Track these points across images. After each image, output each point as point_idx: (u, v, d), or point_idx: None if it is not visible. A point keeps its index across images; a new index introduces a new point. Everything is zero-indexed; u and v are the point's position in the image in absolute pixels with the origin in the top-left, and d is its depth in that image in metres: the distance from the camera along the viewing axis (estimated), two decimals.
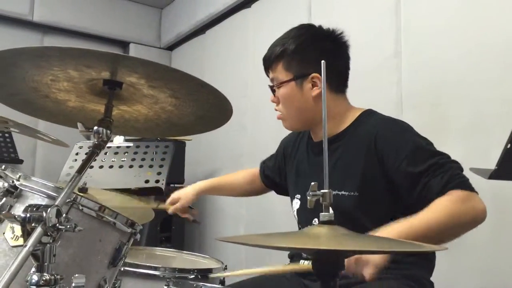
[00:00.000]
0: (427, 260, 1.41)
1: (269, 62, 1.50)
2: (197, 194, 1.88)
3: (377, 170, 1.34)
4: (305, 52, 1.45)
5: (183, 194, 1.88)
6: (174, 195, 1.90)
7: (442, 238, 1.20)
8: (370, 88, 2.16)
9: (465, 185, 1.24)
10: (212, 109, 1.06)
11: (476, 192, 1.24)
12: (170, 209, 1.87)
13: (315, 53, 1.44)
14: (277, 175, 1.76)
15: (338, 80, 1.48)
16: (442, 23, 1.93)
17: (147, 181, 2.36)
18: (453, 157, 1.32)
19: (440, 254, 1.42)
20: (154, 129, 1.22)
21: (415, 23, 2.05)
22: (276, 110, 1.53)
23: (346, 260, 1.14)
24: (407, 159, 1.29)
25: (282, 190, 1.79)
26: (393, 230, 1.16)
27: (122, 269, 1.39)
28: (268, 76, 1.53)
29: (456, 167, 1.29)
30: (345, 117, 1.47)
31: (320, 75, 1.41)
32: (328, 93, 1.44)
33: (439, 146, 1.35)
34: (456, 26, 1.88)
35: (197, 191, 1.88)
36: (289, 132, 1.71)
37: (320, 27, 1.50)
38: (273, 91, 1.51)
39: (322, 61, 0.92)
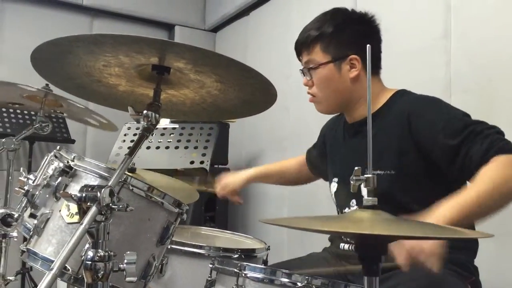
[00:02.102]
0: (470, 243, 1.40)
1: (305, 45, 1.51)
2: (247, 181, 1.90)
3: (413, 146, 1.34)
4: (342, 34, 1.47)
5: (232, 182, 1.89)
6: (223, 181, 1.91)
7: (493, 211, 1.17)
8: (417, 70, 2.11)
9: (507, 148, 1.20)
10: (256, 93, 1.08)
11: None
12: (220, 194, 1.91)
13: (352, 35, 1.47)
14: (321, 162, 1.77)
15: (373, 62, 1.48)
16: (494, 2, 1.86)
17: (192, 162, 2.42)
18: None
19: (485, 239, 1.39)
20: (200, 113, 1.25)
21: (465, 2, 1.98)
22: (309, 93, 1.55)
23: (401, 259, 1.11)
24: (443, 131, 1.28)
25: None
26: (445, 214, 1.12)
27: (168, 246, 1.44)
28: (300, 59, 1.55)
29: (494, 131, 1.24)
30: (379, 98, 1.47)
31: (358, 56, 1.45)
32: (364, 74, 1.46)
33: None
34: (509, 5, 1.80)
35: (247, 179, 1.90)
36: (328, 116, 1.71)
37: (353, 10, 1.53)
38: (305, 74, 1.53)
39: (368, 46, 0.91)
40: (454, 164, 1.26)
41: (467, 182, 1.29)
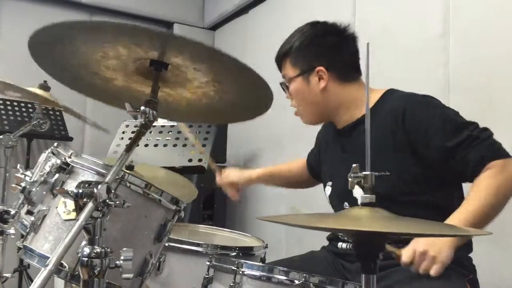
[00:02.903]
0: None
1: (279, 61, 1.56)
2: (252, 180, 1.88)
3: (407, 146, 1.34)
4: (308, 47, 1.49)
5: (236, 175, 1.88)
6: (229, 171, 1.90)
7: (494, 216, 1.24)
8: (415, 69, 2.11)
9: (500, 153, 1.26)
10: (253, 96, 1.06)
11: (510, 156, 1.27)
12: (219, 182, 1.88)
13: (318, 47, 1.49)
14: (317, 167, 1.78)
15: (345, 70, 1.51)
16: (493, 1, 1.85)
17: (190, 160, 2.42)
18: (503, 142, 1.29)
19: (482, 237, 1.39)
20: (196, 115, 1.24)
21: (464, 1, 1.97)
22: (291, 107, 1.58)
23: (406, 251, 1.17)
24: (439, 134, 1.30)
25: None
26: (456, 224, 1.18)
27: (166, 244, 1.44)
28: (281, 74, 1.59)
29: (487, 135, 1.29)
30: (363, 101, 1.47)
31: (326, 67, 1.46)
32: (336, 84, 1.49)
33: None
34: (508, 4, 1.80)
35: (253, 176, 1.87)
36: None
37: (324, 22, 1.53)
38: (286, 88, 1.56)
39: (367, 43, 0.91)
40: (449, 166, 1.29)
41: (462, 183, 1.37)
